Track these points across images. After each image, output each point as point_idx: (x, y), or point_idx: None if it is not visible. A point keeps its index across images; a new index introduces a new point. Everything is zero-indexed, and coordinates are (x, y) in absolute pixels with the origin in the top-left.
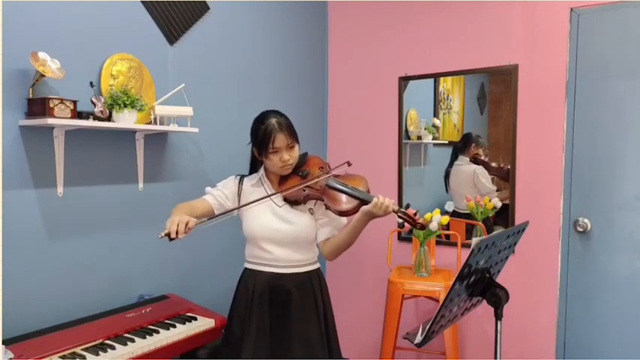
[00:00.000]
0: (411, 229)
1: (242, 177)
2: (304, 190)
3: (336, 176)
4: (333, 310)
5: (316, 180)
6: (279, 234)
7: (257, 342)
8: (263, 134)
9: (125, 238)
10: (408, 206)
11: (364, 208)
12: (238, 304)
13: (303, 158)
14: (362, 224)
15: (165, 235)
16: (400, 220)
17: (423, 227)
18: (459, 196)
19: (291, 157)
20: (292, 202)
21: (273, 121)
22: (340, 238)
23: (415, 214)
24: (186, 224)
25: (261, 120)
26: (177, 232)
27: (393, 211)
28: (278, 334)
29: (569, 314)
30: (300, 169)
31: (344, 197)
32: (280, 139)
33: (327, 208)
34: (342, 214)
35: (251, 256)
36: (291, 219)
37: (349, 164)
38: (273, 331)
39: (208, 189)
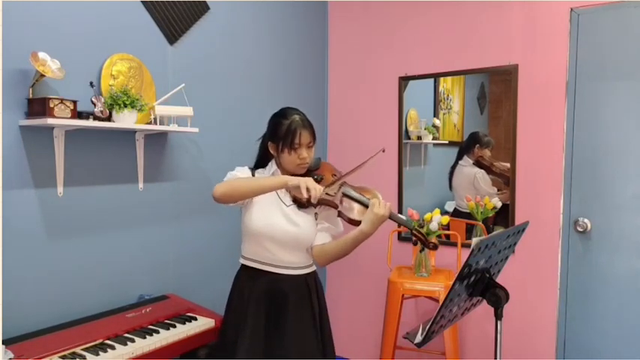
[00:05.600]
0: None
1: (252, 169)
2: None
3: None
4: (334, 310)
5: (335, 186)
6: (283, 234)
7: (252, 343)
8: (287, 129)
9: (125, 238)
10: (422, 225)
11: (366, 217)
12: (234, 305)
13: (317, 163)
14: (363, 236)
15: (307, 199)
16: (414, 238)
17: (436, 247)
18: (460, 196)
19: (308, 155)
20: (301, 204)
21: (297, 117)
22: (338, 247)
23: (428, 234)
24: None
25: (284, 115)
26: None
27: (407, 227)
28: (273, 335)
29: (569, 314)
30: (314, 172)
31: (359, 207)
32: (305, 136)
33: (340, 215)
34: (354, 223)
35: (250, 253)
36: (296, 220)
37: (383, 151)
38: (268, 333)
39: (232, 173)
